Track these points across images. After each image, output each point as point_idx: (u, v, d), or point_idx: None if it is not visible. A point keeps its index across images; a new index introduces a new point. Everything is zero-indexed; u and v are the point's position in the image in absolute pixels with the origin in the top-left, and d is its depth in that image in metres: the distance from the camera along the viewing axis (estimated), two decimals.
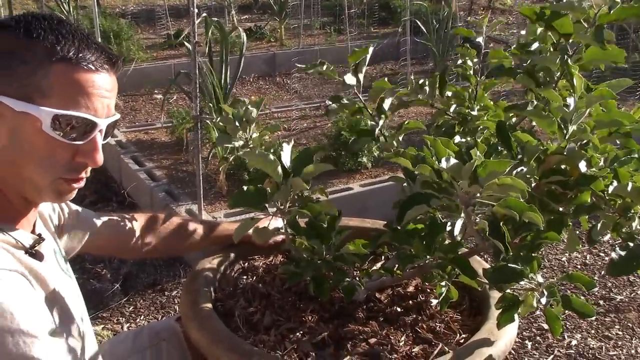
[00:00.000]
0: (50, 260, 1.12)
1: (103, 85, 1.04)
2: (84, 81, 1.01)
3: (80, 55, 1.00)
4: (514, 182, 1.01)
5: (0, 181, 1.04)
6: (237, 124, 1.36)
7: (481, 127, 1.41)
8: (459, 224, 1.10)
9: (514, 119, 1.39)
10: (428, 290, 1.42)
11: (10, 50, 0.99)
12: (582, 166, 1.10)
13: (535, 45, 1.33)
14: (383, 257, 1.51)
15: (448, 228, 1.19)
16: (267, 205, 1.28)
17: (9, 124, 0.99)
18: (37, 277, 1.02)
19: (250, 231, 1.39)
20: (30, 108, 0.98)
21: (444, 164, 1.05)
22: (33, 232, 1.13)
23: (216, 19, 3.80)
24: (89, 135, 1.03)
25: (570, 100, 1.13)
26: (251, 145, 1.38)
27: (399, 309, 1.35)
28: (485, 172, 1.02)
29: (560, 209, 1.13)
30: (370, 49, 1.36)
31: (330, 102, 1.40)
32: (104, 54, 1.05)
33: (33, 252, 1.06)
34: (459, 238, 1.20)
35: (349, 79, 1.37)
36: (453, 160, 1.06)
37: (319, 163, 1.27)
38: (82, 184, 1.09)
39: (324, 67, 1.36)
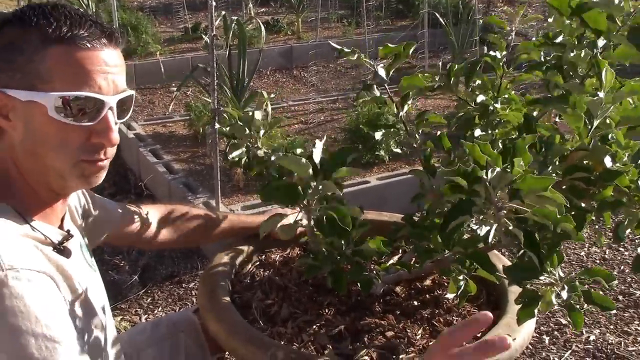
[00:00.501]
0: (77, 256, 1.13)
1: (103, 60, 1.01)
2: (80, 59, 0.99)
3: (72, 33, 0.98)
4: (553, 196, 0.99)
5: (27, 175, 1.05)
6: (246, 130, 1.36)
7: (502, 120, 1.39)
8: (492, 230, 1.09)
9: (535, 113, 1.37)
10: (445, 284, 1.42)
11: (9, 42, 0.99)
12: (607, 161, 1.08)
13: (560, 38, 1.31)
14: (400, 251, 1.51)
15: (480, 232, 1.18)
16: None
17: (21, 116, 1.00)
18: (64, 274, 1.02)
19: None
20: (34, 95, 0.97)
21: (489, 176, 1.04)
22: (61, 227, 1.13)
23: (234, 17, 3.80)
24: (98, 115, 1.01)
25: (601, 94, 1.11)
26: (258, 147, 1.38)
27: (415, 303, 1.35)
28: (525, 187, 1.00)
29: (583, 205, 1.12)
30: (412, 48, 1.36)
31: (361, 89, 1.41)
32: (99, 29, 1.02)
33: (61, 249, 1.06)
34: (477, 229, 1.19)
35: (381, 71, 1.37)
36: (497, 170, 1.04)
37: (349, 167, 1.27)
38: (106, 163, 1.07)
39: (355, 57, 1.36)
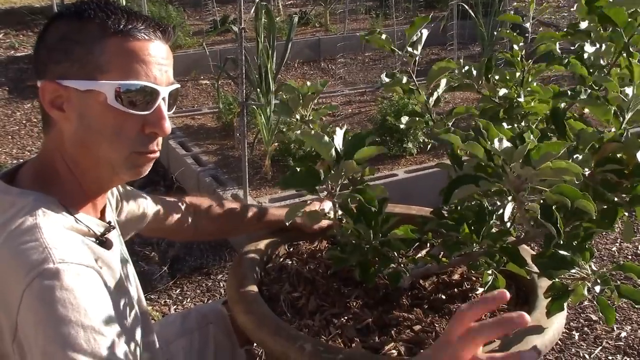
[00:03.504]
0: (117, 247, 1.15)
1: (158, 52, 1.06)
2: (138, 50, 1.03)
3: (131, 26, 1.03)
4: (568, 166, 0.98)
5: (75, 168, 1.07)
6: (300, 99, 1.37)
7: (529, 112, 1.38)
8: (509, 208, 1.08)
9: (562, 104, 1.36)
10: (473, 278, 1.41)
11: (66, 35, 1.03)
12: (639, 156, 1.07)
13: (584, 25, 1.29)
14: (428, 245, 1.50)
15: (500, 211, 1.17)
16: (317, 187, 1.28)
17: (77, 106, 1.03)
18: (108, 266, 1.05)
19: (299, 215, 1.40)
20: (93, 85, 1.01)
21: (497, 145, 1.03)
22: (102, 218, 1.16)
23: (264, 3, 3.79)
24: (153, 104, 1.06)
25: (629, 90, 1.09)
26: (310, 119, 1.39)
27: (443, 297, 1.34)
28: (538, 155, 0.99)
29: (615, 199, 1.10)
30: (425, 32, 1.36)
31: (385, 77, 1.40)
32: (154, 23, 1.07)
33: (103, 240, 1.09)
34: (508, 224, 1.18)
35: (407, 51, 1.37)
36: (506, 143, 1.04)
37: (370, 146, 1.26)
38: (157, 154, 1.11)
39: (383, 37, 1.36)
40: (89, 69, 1.01)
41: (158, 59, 1.06)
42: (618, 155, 1.10)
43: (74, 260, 0.94)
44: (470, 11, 5.74)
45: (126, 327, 1.06)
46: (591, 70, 1.26)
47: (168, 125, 1.08)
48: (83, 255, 0.98)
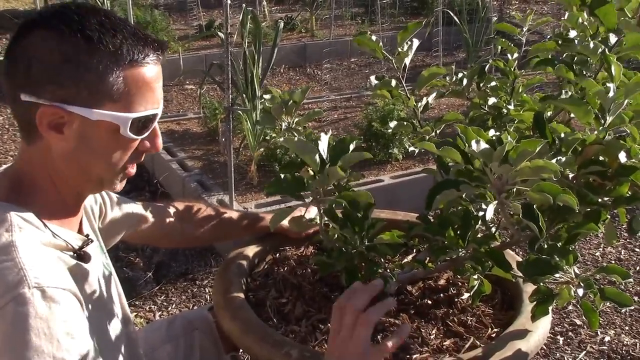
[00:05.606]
0: (96, 260, 1.13)
1: (160, 75, 1.06)
2: (149, 79, 1.02)
3: (143, 55, 1.01)
4: (546, 164, 0.99)
5: (59, 180, 1.05)
6: (282, 108, 1.37)
7: (515, 120, 1.39)
8: (491, 208, 1.09)
9: (549, 113, 1.37)
10: (459, 284, 1.42)
11: (72, 58, 0.96)
12: (622, 157, 1.08)
13: (573, 33, 1.30)
14: (415, 250, 1.51)
15: (481, 213, 1.18)
16: (303, 193, 1.27)
17: (80, 131, 1.00)
18: (85, 280, 1.03)
19: (286, 221, 1.40)
20: (107, 116, 0.99)
21: (474, 147, 1.04)
22: (80, 231, 1.14)
23: (250, 9, 3.79)
24: (151, 125, 1.06)
25: (610, 86, 1.10)
26: (294, 127, 1.39)
27: (429, 302, 1.34)
28: (516, 153, 1.00)
29: (599, 200, 1.11)
30: (416, 42, 1.36)
31: (375, 80, 1.41)
32: (157, 45, 1.04)
33: (81, 254, 1.07)
34: (493, 228, 1.18)
35: (397, 59, 1.38)
36: (484, 145, 1.04)
37: (354, 152, 1.26)
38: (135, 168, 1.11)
39: (373, 37, 1.36)
40: (100, 97, 0.98)
41: (160, 82, 1.06)
42: (600, 158, 1.11)
43: (50, 283, 0.91)
44: (455, 18, 5.78)
45: (105, 347, 1.04)
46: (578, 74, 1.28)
47: (161, 142, 1.11)
48: (60, 277, 0.95)
